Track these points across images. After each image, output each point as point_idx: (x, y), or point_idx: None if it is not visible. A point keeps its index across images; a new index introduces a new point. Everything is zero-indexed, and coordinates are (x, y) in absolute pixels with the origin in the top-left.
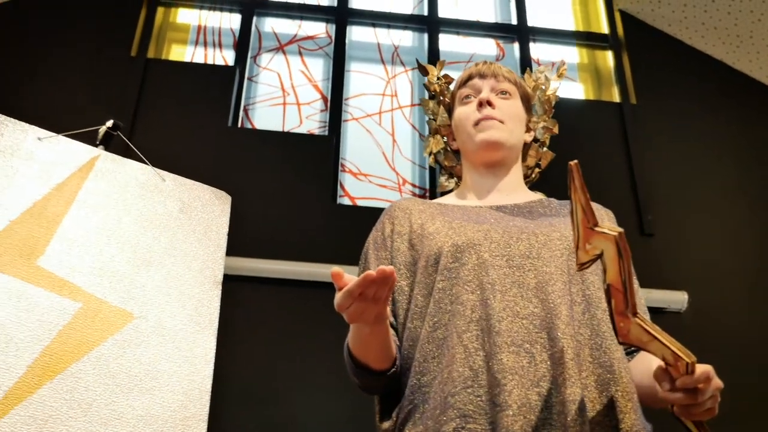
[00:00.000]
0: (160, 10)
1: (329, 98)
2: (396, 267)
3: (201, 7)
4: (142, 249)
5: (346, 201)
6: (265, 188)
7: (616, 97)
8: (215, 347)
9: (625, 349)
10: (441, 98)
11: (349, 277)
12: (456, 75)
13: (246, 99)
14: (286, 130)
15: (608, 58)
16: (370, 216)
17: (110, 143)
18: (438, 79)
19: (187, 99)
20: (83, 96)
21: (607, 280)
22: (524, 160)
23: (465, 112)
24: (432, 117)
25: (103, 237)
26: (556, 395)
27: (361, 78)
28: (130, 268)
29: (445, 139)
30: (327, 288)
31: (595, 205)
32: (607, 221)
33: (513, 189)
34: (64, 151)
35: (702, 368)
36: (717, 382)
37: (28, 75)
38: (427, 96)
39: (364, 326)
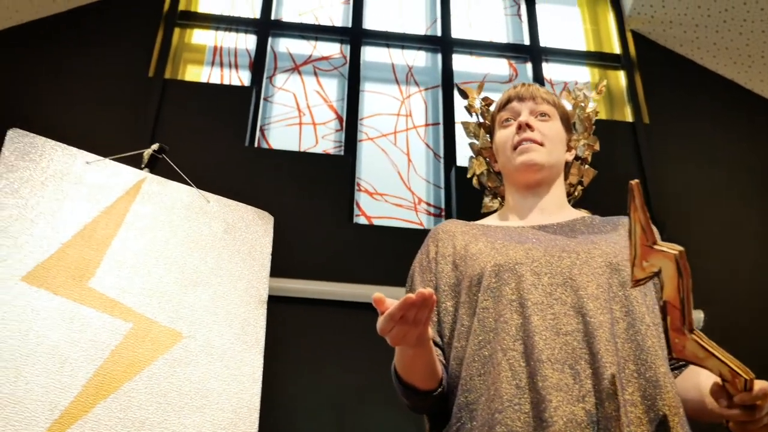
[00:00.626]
0: (177, 31)
1: (344, 118)
2: (441, 288)
3: (217, 28)
4: (189, 270)
5: (363, 220)
6: (283, 208)
7: (629, 117)
8: (262, 365)
9: (671, 364)
10: (482, 120)
11: (390, 301)
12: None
13: (262, 119)
14: (302, 149)
15: (620, 77)
16: (386, 235)
17: (155, 166)
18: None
19: (204, 119)
20: (102, 116)
21: (664, 297)
22: (567, 178)
23: (505, 135)
24: (473, 139)
25: (151, 258)
26: (601, 411)
27: (375, 98)
28: (178, 288)
29: (488, 160)
30: (348, 307)
31: None
32: None
33: (555, 208)
34: (111, 175)
35: (760, 384)
36: None
37: (46, 95)
38: (466, 118)
39: (407, 348)
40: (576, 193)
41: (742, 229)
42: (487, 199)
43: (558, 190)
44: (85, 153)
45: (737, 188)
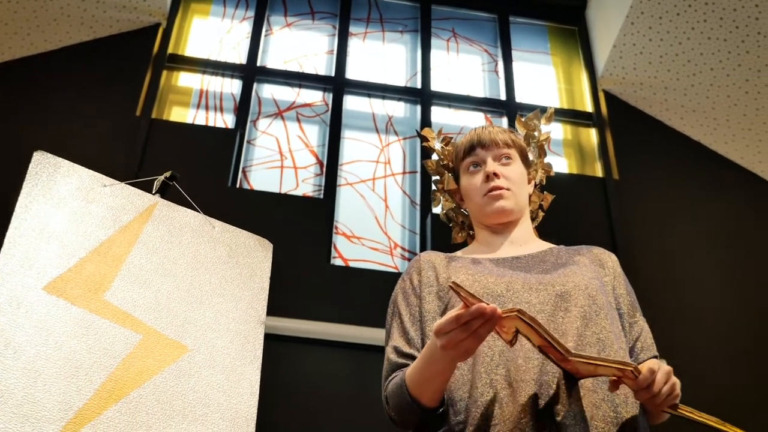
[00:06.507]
0: (164, 74)
1: (325, 163)
2: (426, 312)
3: (204, 72)
4: (195, 288)
5: (339, 262)
6: None
7: (599, 172)
8: (259, 380)
9: None
10: (445, 162)
11: (476, 308)
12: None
13: (245, 161)
14: (282, 192)
15: (592, 135)
16: (362, 277)
17: (166, 192)
18: (440, 145)
19: (189, 159)
20: (91, 152)
21: (536, 344)
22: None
23: (473, 183)
24: (437, 178)
25: (161, 276)
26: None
27: (355, 145)
28: (184, 305)
29: (455, 198)
30: (322, 345)
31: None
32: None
33: (525, 240)
34: (126, 198)
35: (645, 367)
36: (664, 370)
37: (36, 129)
38: (429, 156)
39: (440, 362)
40: (538, 218)
41: (709, 283)
42: (454, 232)
43: (526, 223)
44: (103, 177)
45: (702, 242)
